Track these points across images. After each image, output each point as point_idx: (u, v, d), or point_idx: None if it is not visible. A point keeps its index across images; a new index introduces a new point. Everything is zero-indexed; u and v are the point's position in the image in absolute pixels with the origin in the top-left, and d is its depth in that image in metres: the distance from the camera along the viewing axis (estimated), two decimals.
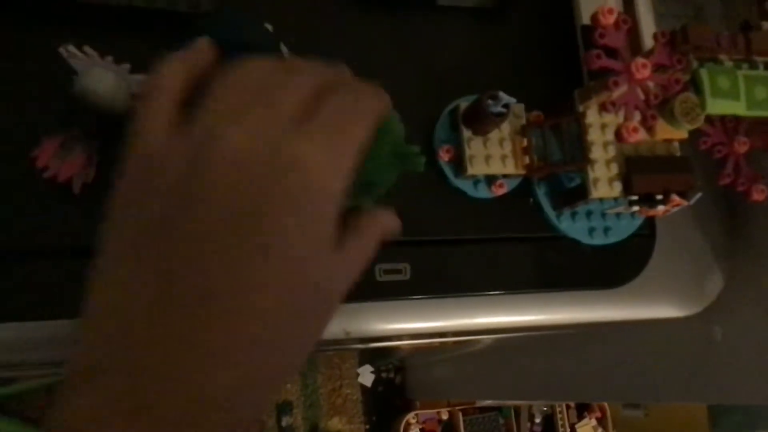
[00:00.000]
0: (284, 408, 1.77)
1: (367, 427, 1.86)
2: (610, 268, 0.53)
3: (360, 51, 0.50)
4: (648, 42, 0.44)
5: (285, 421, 1.77)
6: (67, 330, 0.43)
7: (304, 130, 0.30)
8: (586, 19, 0.50)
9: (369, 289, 0.48)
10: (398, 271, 0.48)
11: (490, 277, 0.51)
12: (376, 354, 1.78)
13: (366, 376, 1.85)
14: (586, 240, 0.52)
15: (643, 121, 0.44)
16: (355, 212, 0.35)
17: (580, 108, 0.47)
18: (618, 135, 0.45)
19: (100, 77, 0.41)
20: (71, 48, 0.41)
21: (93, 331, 0.29)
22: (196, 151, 0.29)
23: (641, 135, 0.44)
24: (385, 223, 0.37)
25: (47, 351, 0.44)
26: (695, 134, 0.49)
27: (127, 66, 0.42)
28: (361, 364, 1.85)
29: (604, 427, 1.95)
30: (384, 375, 1.90)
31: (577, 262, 0.53)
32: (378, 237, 0.36)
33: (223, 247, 0.28)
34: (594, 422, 1.95)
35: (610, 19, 0.41)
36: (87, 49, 0.41)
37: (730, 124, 0.49)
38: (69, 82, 0.41)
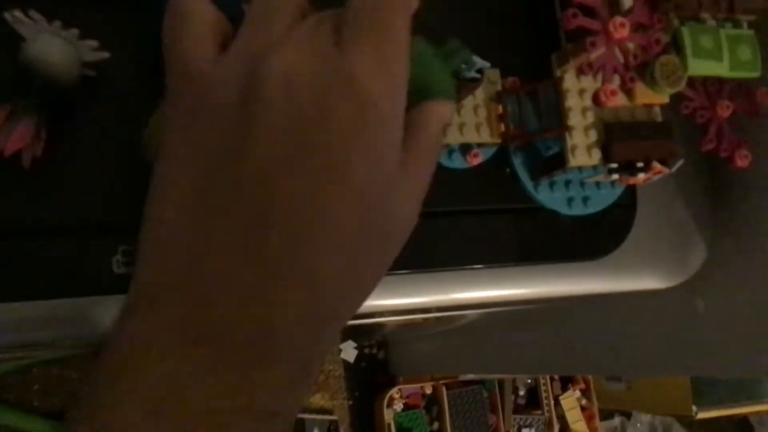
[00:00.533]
0: None
1: (350, 402, 1.86)
2: (590, 239, 0.51)
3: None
4: (627, 2, 0.42)
5: None
6: (20, 313, 0.41)
7: (350, 41, 0.29)
8: None
9: None
10: None
11: (466, 251, 0.49)
12: (359, 330, 1.77)
13: (348, 351, 1.84)
14: (564, 210, 0.50)
15: (622, 84, 0.42)
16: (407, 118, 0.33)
17: (558, 72, 0.45)
18: (596, 99, 0.43)
19: (49, 43, 0.39)
20: (17, 13, 0.38)
21: (157, 258, 0.28)
22: (247, 74, 0.28)
23: (620, 99, 0.42)
24: (438, 116, 0.35)
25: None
26: (676, 99, 0.47)
27: (75, 32, 0.39)
28: (343, 340, 1.84)
29: (588, 399, 1.96)
30: (367, 351, 1.89)
31: (556, 234, 0.51)
32: (437, 136, 0.35)
33: (288, 170, 0.27)
34: (578, 394, 1.96)
35: None
36: (33, 13, 0.38)
37: (713, 88, 0.47)
38: (15, 49, 0.39)
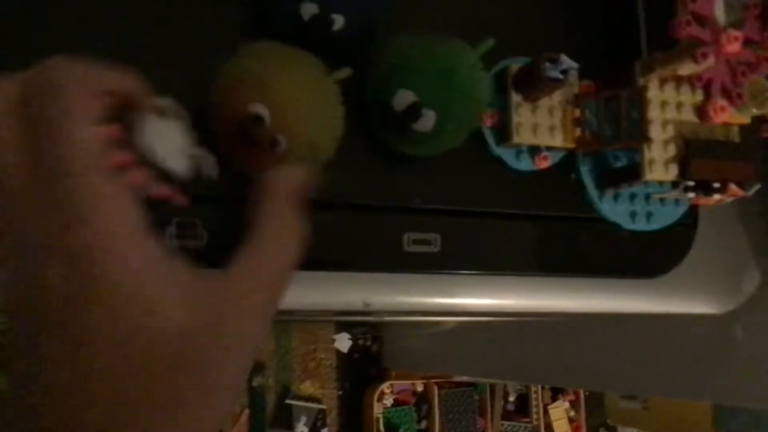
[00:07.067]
0: (256, 368, 1.74)
1: (340, 393, 1.84)
2: (648, 256, 0.50)
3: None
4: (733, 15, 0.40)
5: (256, 381, 1.74)
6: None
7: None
8: None
9: (395, 259, 0.44)
10: (428, 242, 0.44)
11: (522, 256, 0.47)
12: (355, 323, 1.75)
13: (342, 341, 1.82)
14: (626, 224, 0.48)
15: (729, 101, 0.40)
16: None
17: (641, 81, 0.43)
18: (702, 113, 0.41)
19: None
20: None
21: None
22: None
23: (728, 115, 0.40)
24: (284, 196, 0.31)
25: None
26: (755, 121, 0.45)
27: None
28: (338, 331, 1.82)
29: (577, 411, 1.95)
30: (361, 342, 1.87)
31: (615, 248, 0.49)
32: (285, 225, 0.30)
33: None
34: (567, 405, 1.95)
35: None
36: None
37: None
38: None
